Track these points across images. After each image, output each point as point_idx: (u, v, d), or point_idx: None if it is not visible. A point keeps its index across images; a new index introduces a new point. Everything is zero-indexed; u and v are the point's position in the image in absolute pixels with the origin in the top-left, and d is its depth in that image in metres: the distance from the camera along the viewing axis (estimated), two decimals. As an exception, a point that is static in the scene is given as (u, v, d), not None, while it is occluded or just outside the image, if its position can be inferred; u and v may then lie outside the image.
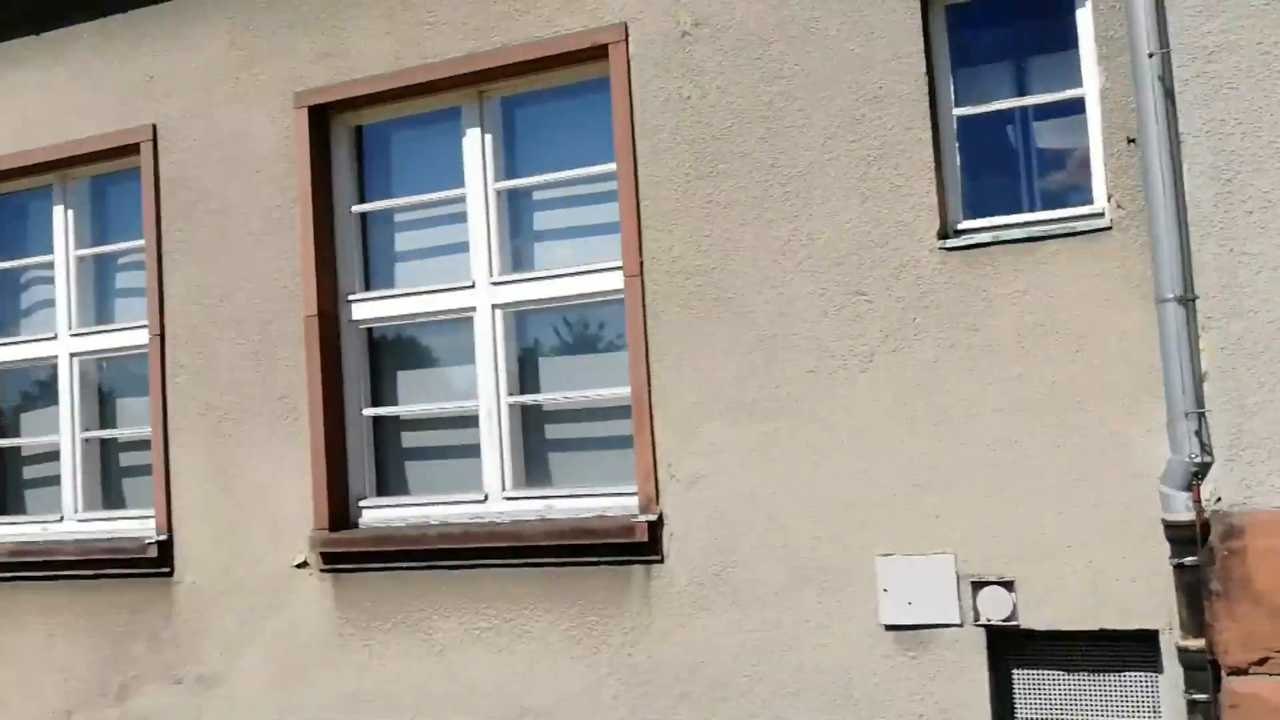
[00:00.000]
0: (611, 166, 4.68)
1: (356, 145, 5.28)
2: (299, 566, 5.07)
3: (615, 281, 4.66)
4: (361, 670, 4.95)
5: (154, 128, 5.47)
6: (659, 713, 4.43)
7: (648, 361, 4.48)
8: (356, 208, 5.23)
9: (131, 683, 5.43)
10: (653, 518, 4.43)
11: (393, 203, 5.22)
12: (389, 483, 5.25)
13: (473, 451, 5.01)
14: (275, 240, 5.20)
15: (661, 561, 4.45)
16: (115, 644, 5.49)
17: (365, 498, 5.15)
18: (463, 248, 5.05)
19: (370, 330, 5.25)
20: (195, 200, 5.39)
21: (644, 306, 4.50)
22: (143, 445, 5.73)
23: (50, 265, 5.98)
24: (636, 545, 4.46)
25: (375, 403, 5.23)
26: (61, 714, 5.59)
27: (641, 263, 4.50)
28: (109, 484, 5.91)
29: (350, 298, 5.18)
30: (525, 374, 5.01)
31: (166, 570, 5.35)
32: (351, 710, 4.96)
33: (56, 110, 5.78)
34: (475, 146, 4.98)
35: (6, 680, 5.78)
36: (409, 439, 5.28)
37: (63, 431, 5.85)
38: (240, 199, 5.29)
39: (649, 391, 4.47)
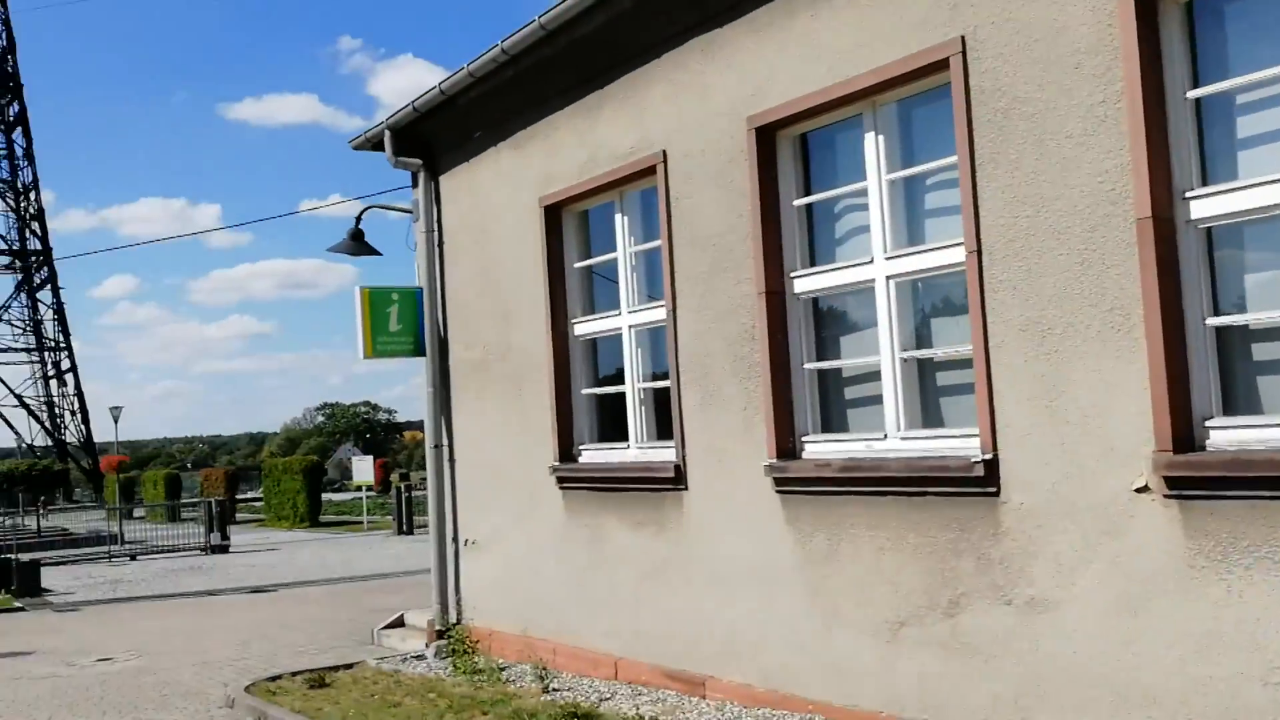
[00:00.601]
0: None
1: (1188, 22, 4.69)
2: (1139, 491, 4.69)
3: None
4: (1218, 608, 4.45)
5: (962, 40, 5.33)
6: None
7: None
8: (1192, 93, 4.65)
9: (960, 599, 5.45)
10: None
11: (1239, 81, 4.54)
12: (1237, 400, 4.65)
13: (1348, 363, 4.25)
14: (1096, 140, 4.81)
15: None
16: (942, 560, 5.54)
17: (1212, 417, 4.60)
18: (1329, 122, 4.27)
19: (1209, 230, 4.66)
20: (1007, 108, 5.17)
21: None
22: (959, 364, 5.71)
23: (861, 193, 6.16)
24: None
25: (1218, 311, 4.65)
26: (894, 624, 5.80)
27: None
28: (927, 402, 5.99)
29: (1187, 195, 4.63)
30: None
31: (992, 489, 5.27)
32: (1205, 651, 4.49)
33: (861, 41, 5.90)
34: (1349, -2, 4.16)
35: (838, 587, 6.12)
36: (1259, 351, 4.63)
37: (882, 352, 6.02)
38: (1055, 100, 4.97)
39: None
